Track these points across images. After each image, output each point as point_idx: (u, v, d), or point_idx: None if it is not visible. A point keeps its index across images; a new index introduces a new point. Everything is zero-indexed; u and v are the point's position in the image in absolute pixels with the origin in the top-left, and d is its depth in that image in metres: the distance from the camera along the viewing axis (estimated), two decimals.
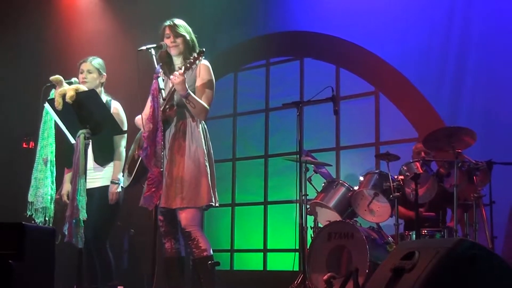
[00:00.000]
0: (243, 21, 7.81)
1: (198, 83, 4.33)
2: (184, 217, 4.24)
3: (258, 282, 7.03)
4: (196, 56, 4.18)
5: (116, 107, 4.91)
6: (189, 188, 4.22)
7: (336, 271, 4.99)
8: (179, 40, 4.39)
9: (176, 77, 4.13)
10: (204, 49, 4.18)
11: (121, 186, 4.77)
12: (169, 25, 4.42)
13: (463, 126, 5.13)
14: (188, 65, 4.18)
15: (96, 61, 4.99)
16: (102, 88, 5.01)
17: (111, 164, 4.86)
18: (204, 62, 4.33)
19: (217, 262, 4.29)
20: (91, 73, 4.94)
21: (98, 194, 4.76)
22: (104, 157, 4.83)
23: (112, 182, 4.81)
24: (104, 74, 5.01)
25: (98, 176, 4.80)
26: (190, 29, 4.47)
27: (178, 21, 4.45)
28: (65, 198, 4.82)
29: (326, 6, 7.27)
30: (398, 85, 6.77)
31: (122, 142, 4.89)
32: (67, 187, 4.85)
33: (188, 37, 4.39)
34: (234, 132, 8.15)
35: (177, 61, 4.47)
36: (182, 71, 4.15)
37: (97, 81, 4.95)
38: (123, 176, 4.72)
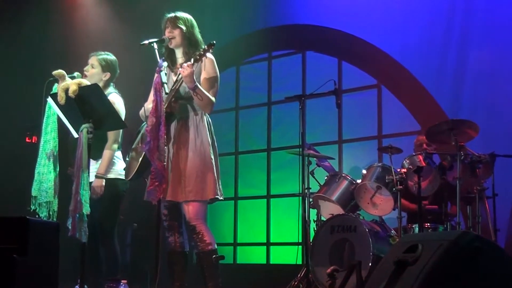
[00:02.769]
0: (245, 15, 7.80)
1: (203, 76, 4.32)
2: (189, 210, 4.25)
3: (261, 275, 7.04)
4: (206, 48, 4.16)
5: (112, 99, 4.77)
6: (195, 182, 4.23)
7: (339, 264, 4.99)
8: (176, 32, 4.38)
9: (184, 69, 4.12)
10: (214, 42, 4.16)
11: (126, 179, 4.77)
12: (170, 16, 4.43)
13: (465, 119, 5.12)
14: (198, 57, 4.17)
15: (103, 57, 4.95)
16: (110, 85, 4.96)
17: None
18: (209, 56, 4.31)
19: (221, 256, 4.30)
20: (93, 68, 4.93)
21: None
22: (97, 151, 4.74)
23: (96, 176, 4.76)
24: (108, 73, 4.95)
25: (92, 170, 4.63)
26: (193, 24, 4.45)
27: (180, 14, 4.45)
28: None
29: None
30: (400, 78, 6.76)
31: (114, 136, 4.84)
32: None
33: (185, 30, 4.38)
34: (237, 126, 8.15)
35: (178, 55, 4.47)
36: (191, 63, 4.15)
37: (98, 77, 4.89)
38: (123, 169, 4.72)
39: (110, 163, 4.81)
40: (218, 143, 4.49)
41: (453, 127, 5.03)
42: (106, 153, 4.80)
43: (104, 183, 4.76)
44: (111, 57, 5.01)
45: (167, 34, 4.39)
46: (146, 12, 7.29)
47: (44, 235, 3.70)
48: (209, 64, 4.33)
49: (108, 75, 4.96)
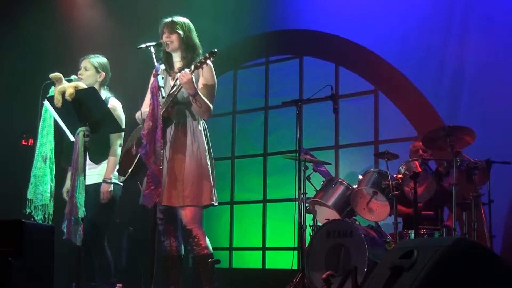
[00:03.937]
0: (242, 19, 7.80)
1: (202, 83, 4.32)
2: (186, 215, 4.26)
3: (256, 280, 7.03)
4: (207, 56, 4.16)
5: (114, 104, 4.86)
6: (192, 187, 4.23)
7: (335, 269, 4.99)
8: (173, 37, 4.39)
9: (183, 76, 4.12)
10: (216, 50, 4.16)
11: (120, 183, 4.77)
12: (167, 21, 4.43)
13: (462, 125, 5.13)
14: (198, 64, 4.17)
15: (96, 59, 4.98)
16: (104, 87, 4.99)
17: (106, 161, 4.84)
18: (207, 62, 4.32)
19: (217, 260, 4.31)
20: (87, 71, 4.94)
21: (93, 191, 4.71)
22: (99, 154, 4.78)
23: (104, 181, 4.77)
24: (103, 73, 4.98)
25: (93, 173, 4.73)
26: (191, 28, 4.46)
27: (177, 18, 4.45)
28: (64, 195, 4.81)
29: (325, 4, 7.26)
30: (397, 83, 6.77)
31: (118, 140, 4.85)
32: (68, 184, 4.83)
33: (182, 35, 4.38)
34: (234, 130, 8.15)
35: (176, 59, 4.47)
36: (190, 69, 4.14)
37: (93, 79, 4.92)
38: (116, 170, 4.72)
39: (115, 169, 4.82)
40: (214, 147, 4.49)
41: (449, 133, 5.03)
42: (111, 159, 4.82)
43: (112, 188, 4.76)
44: (102, 58, 5.04)
45: (164, 38, 4.39)
46: (144, 15, 7.29)
47: (39, 238, 3.69)
48: (207, 71, 4.33)
49: (102, 75, 4.99)
